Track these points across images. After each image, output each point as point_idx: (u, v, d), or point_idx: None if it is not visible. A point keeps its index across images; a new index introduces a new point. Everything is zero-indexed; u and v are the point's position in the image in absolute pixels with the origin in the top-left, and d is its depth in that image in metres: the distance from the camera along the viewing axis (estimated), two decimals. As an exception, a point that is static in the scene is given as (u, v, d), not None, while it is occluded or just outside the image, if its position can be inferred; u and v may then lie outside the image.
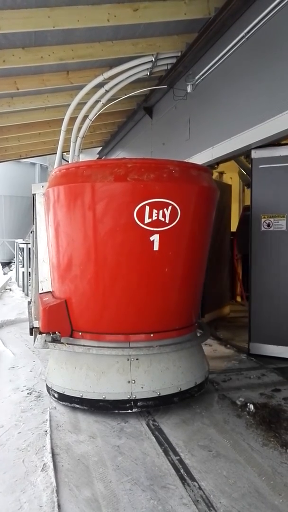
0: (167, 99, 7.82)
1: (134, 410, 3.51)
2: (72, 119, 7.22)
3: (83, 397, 3.53)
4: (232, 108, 5.68)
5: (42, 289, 4.00)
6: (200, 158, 6.44)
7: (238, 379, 4.57)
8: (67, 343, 3.60)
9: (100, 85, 6.78)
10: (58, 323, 3.62)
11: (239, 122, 5.45)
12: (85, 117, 7.35)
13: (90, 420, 3.50)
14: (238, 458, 2.96)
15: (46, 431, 3.26)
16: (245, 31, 5.05)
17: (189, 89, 6.64)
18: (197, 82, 6.46)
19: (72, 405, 3.62)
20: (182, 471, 2.78)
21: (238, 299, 9.71)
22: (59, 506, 2.40)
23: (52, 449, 3.00)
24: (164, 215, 3.26)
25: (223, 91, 5.92)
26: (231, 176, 8.15)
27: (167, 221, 3.29)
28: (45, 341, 3.60)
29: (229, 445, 3.14)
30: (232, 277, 9.59)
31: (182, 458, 2.93)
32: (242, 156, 8.65)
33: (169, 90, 7.48)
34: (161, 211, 3.25)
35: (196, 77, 6.40)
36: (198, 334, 4.19)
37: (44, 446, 3.03)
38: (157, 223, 3.26)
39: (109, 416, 3.55)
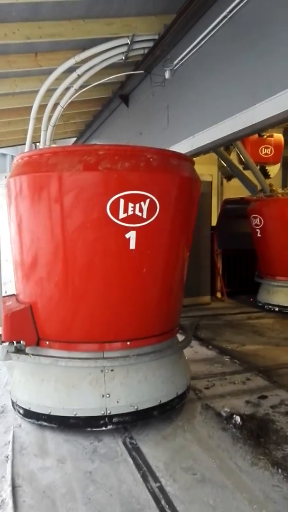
0: (144, 86, 7.41)
1: (109, 427, 3.15)
2: (43, 107, 6.73)
3: (52, 414, 3.14)
4: (214, 94, 5.33)
5: (6, 292, 3.58)
6: (180, 148, 6.08)
7: (222, 384, 4.26)
8: (33, 354, 3.19)
9: (71, 70, 6.30)
10: (23, 331, 3.21)
11: (222, 109, 5.11)
12: (56, 104, 6.86)
13: (59, 440, 3.11)
14: (226, 482, 2.63)
15: (7, 457, 2.86)
16: (227, 10, 4.68)
17: (167, 75, 6.24)
18: (175, 67, 6.06)
19: (39, 422, 3.22)
20: (163, 502, 2.44)
21: (218, 295, 9.44)
22: None
23: (12, 479, 2.60)
24: (141, 210, 2.88)
25: (203, 76, 5.56)
26: (201, 172, 7.98)
27: (144, 216, 2.91)
28: (8, 351, 3.18)
29: (215, 465, 2.82)
30: (212, 272, 9.33)
31: (163, 485, 2.59)
32: (222, 148, 8.38)
33: (146, 76, 7.08)
34: (137, 205, 2.86)
35: (175, 62, 6.00)
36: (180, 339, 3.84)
37: (3, 477, 2.63)
38: (133, 218, 2.87)
39: (81, 434, 3.18)
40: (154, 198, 2.91)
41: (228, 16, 4.74)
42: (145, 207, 2.89)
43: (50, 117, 6.98)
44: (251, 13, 4.57)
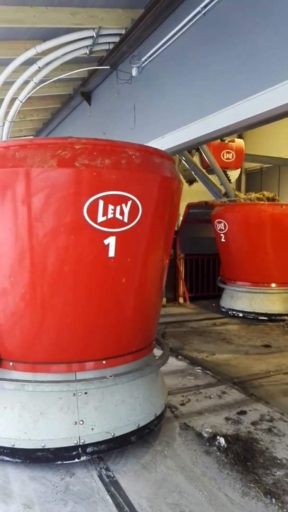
0: (108, 83, 7.09)
1: (83, 458, 2.78)
2: (-1, 101, 6.24)
3: (15, 446, 2.72)
4: (185, 94, 5.11)
5: None
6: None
7: (198, 400, 4.01)
8: (-7, 378, 2.76)
9: (31, 61, 5.87)
10: (-19, 351, 2.77)
11: (193, 109, 4.89)
12: (14, 99, 6.38)
13: (24, 478, 2.70)
14: (219, 519, 2.36)
15: None
16: (201, 5, 4.48)
17: (134, 72, 5.99)
18: (143, 65, 5.81)
19: (0, 457, 2.78)
20: None
21: (181, 300, 9.27)
22: None
23: (-29, 535, 2.17)
24: (122, 213, 2.55)
25: (173, 75, 5.33)
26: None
27: (125, 219, 2.58)
28: None
29: (203, 499, 2.53)
30: (175, 277, 9.15)
31: (150, 529, 2.27)
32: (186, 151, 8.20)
33: (111, 73, 6.76)
34: (118, 207, 2.53)
35: (143, 59, 5.75)
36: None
37: None
38: (113, 222, 2.54)
39: (50, 469, 2.78)
40: (136, 200, 2.59)
41: (202, 12, 4.55)
42: (126, 210, 2.57)
43: (7, 112, 6.49)
44: (227, 10, 4.39)
